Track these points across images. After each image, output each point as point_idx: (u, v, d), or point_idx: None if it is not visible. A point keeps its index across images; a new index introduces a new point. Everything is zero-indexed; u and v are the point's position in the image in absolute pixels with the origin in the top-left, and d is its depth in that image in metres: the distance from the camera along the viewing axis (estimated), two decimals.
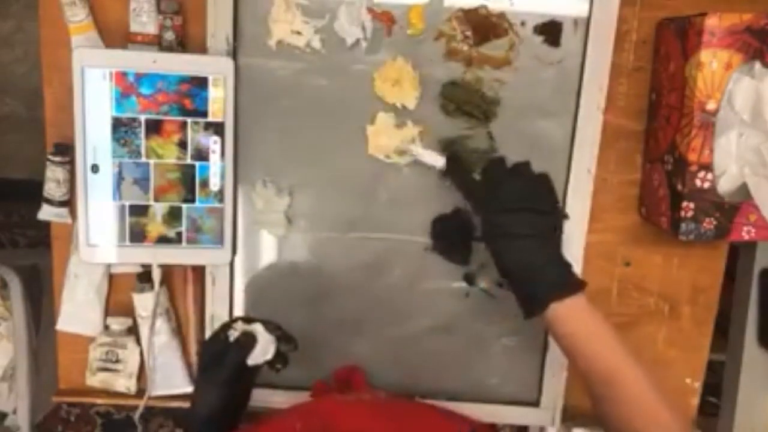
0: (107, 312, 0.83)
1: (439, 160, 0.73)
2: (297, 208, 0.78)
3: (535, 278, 0.63)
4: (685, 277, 0.84)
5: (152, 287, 0.79)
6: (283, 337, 0.65)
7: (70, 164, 0.77)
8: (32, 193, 0.81)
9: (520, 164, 0.68)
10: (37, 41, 0.77)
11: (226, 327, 0.65)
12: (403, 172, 0.77)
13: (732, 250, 0.86)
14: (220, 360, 0.63)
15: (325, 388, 0.78)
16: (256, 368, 0.65)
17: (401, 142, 0.76)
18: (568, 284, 0.63)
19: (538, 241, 0.64)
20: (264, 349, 0.63)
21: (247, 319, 0.66)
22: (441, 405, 0.75)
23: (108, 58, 0.73)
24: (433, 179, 0.76)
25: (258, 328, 0.64)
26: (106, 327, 0.83)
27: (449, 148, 0.76)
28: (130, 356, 0.82)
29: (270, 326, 0.65)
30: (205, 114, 0.74)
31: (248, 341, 0.63)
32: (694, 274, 0.84)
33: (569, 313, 0.62)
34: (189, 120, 0.74)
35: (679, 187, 0.71)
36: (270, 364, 0.65)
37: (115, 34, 0.76)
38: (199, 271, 0.80)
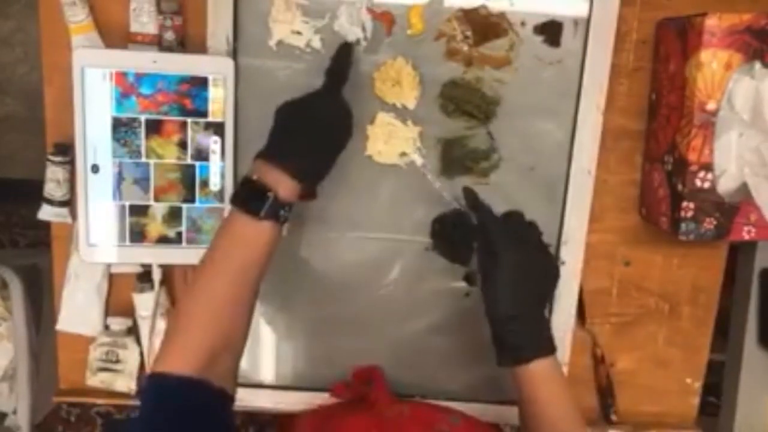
0: (107, 312, 0.82)
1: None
2: (297, 208, 0.78)
3: (514, 333, 0.63)
4: (685, 277, 0.84)
5: (152, 287, 0.79)
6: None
7: (70, 164, 0.77)
8: (32, 193, 0.81)
9: (513, 212, 0.68)
10: (37, 41, 0.77)
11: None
12: (403, 172, 0.77)
13: (732, 250, 0.86)
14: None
15: (345, 389, 0.77)
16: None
17: (401, 142, 0.76)
18: (540, 347, 0.63)
19: (531, 298, 0.64)
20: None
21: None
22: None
23: (108, 58, 0.73)
24: (433, 179, 0.77)
25: None
26: (106, 327, 0.83)
27: (448, 148, 0.76)
28: (130, 356, 0.82)
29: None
30: (205, 114, 0.74)
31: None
32: (694, 274, 0.84)
33: (535, 375, 0.63)
34: (189, 120, 0.74)
35: (679, 187, 0.71)
36: None
37: (115, 34, 0.76)
38: None
